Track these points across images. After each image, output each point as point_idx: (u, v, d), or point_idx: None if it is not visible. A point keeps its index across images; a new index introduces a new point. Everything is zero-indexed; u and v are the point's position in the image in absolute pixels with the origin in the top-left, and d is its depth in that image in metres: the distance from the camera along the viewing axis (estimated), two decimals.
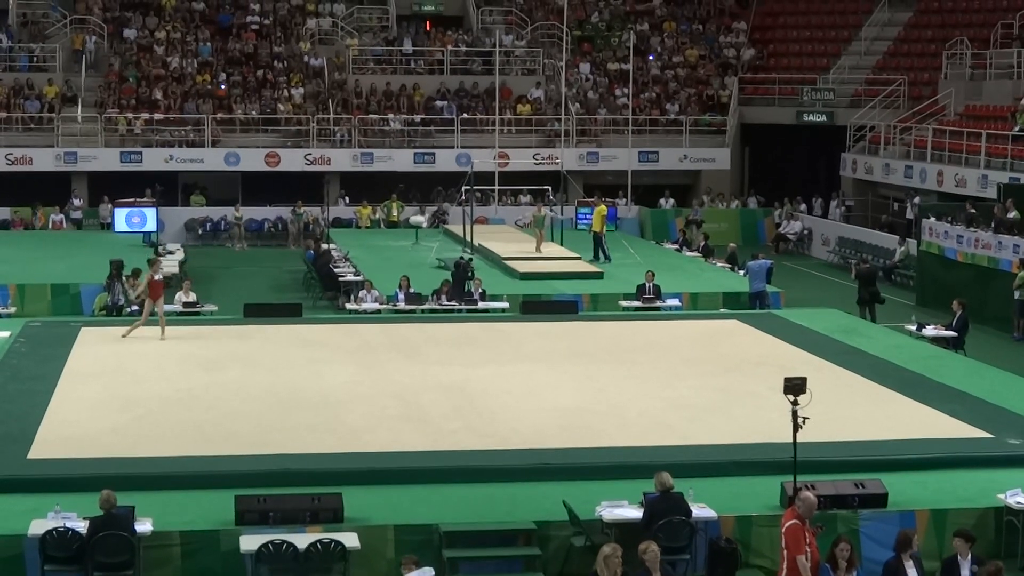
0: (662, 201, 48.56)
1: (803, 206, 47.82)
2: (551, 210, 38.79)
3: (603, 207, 37.20)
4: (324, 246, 37.02)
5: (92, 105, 47.78)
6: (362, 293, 30.00)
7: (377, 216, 46.32)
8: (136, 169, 45.99)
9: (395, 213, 46.15)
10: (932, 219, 34.96)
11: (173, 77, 49.63)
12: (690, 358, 23.76)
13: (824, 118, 49.22)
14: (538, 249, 36.23)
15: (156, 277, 24.96)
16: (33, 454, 17.42)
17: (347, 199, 47.54)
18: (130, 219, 40.54)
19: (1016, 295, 30.30)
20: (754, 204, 49.64)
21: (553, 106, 49.84)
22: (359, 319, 28.23)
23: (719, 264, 36.53)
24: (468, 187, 38.67)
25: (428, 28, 54.77)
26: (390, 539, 15.32)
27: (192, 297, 29.24)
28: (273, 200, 46.62)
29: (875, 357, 23.96)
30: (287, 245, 45.03)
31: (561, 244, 37.60)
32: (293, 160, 47.17)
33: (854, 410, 19.91)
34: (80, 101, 47.66)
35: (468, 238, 37.26)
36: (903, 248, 38.70)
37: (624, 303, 30.18)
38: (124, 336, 24.70)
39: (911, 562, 14.18)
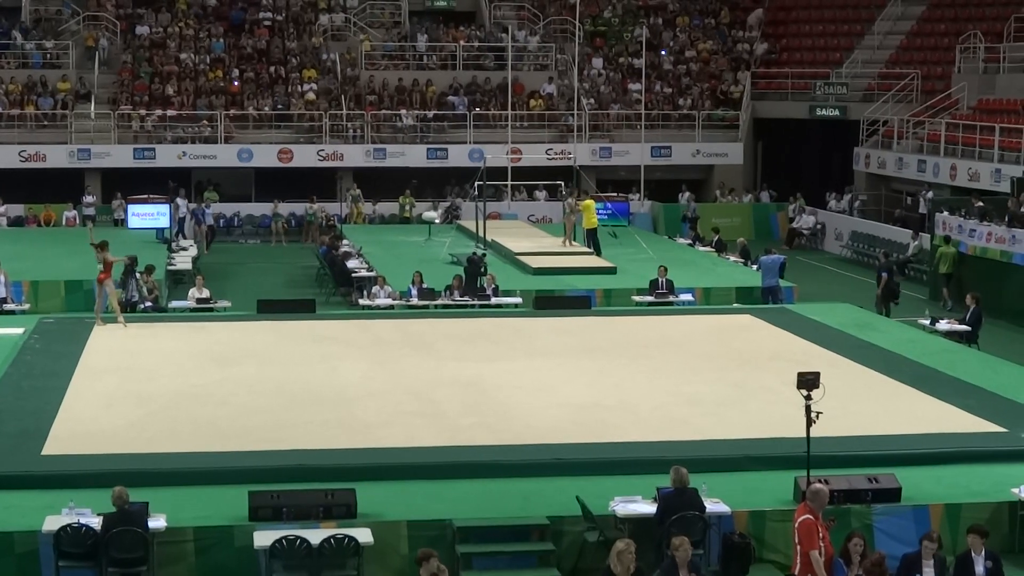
0: (680, 196, 48.36)
1: (828, 205, 47.66)
2: (572, 199, 38.67)
3: (590, 202, 36.95)
4: (343, 241, 37.08)
5: (105, 102, 47.86)
6: (375, 289, 30.02)
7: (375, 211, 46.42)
8: (149, 166, 46.07)
9: (407, 209, 46.25)
10: (945, 213, 34.92)
11: (186, 74, 49.69)
12: (703, 353, 23.75)
13: (837, 112, 49.14)
14: (568, 242, 36.33)
15: (99, 267, 25.57)
16: (47, 450, 17.48)
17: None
18: (143, 215, 40.68)
19: (942, 269, 33.20)
20: (767, 199, 49.58)
21: (566, 101, 49.82)
22: (372, 315, 28.26)
23: (732, 259, 36.51)
24: (481, 183, 38.68)
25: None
26: (403, 535, 15.34)
27: (205, 293, 29.28)
28: (286, 196, 46.64)
29: (889, 351, 23.93)
30: (301, 241, 45.10)
31: (574, 239, 37.55)
32: (306, 156, 47.19)
33: (868, 405, 19.89)
34: (93, 98, 47.73)
35: (481, 234, 37.26)
36: (916, 242, 38.62)
37: (637, 298, 30.16)
38: (124, 326, 25.32)
39: (931, 561, 14.12)
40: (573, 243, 36.89)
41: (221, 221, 46.42)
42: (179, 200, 43.53)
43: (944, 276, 33.42)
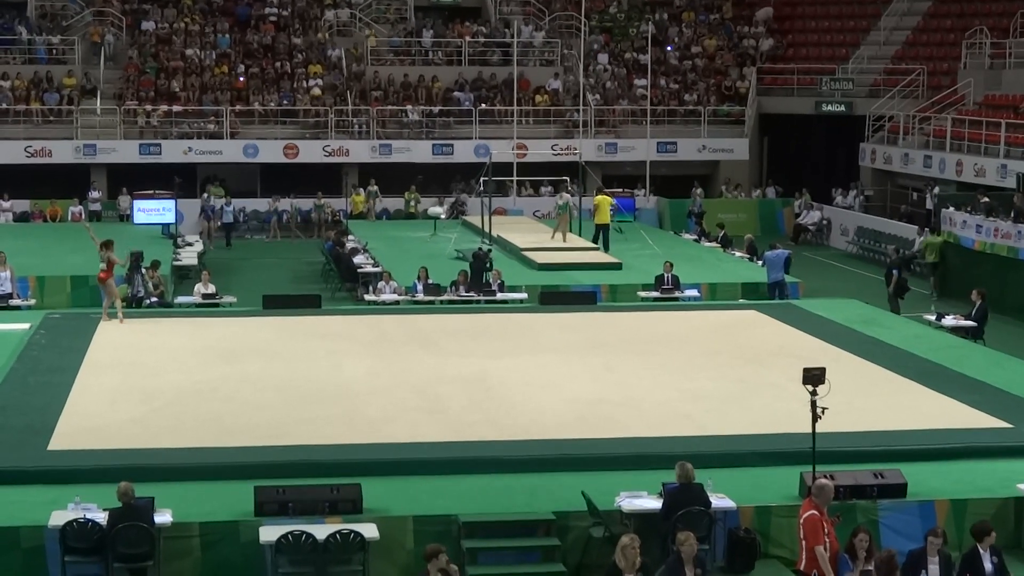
0: (692, 192, 48.14)
1: (833, 201, 47.59)
2: (570, 195, 38.59)
3: (605, 197, 36.83)
4: (349, 237, 37.10)
5: (111, 97, 47.89)
6: (381, 284, 30.03)
7: (369, 205, 46.41)
8: (155, 161, 46.08)
9: (413, 204, 46.28)
10: (951, 209, 34.90)
11: (191, 69, 49.71)
12: (709, 349, 23.71)
13: (843, 108, 49.11)
14: (563, 238, 36.22)
15: (101, 265, 25.48)
16: (53, 446, 17.47)
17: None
18: (149, 211, 40.71)
19: (929, 259, 34.86)
20: (773, 194, 49.55)
21: (571, 97, 49.80)
22: (378, 310, 28.26)
23: (738, 254, 36.48)
24: (486, 178, 38.67)
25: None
26: (409, 530, 15.34)
27: (211, 289, 29.29)
28: (291, 192, 46.64)
29: (894, 347, 23.90)
30: (308, 236, 45.15)
31: (579, 235, 37.56)
32: (312, 152, 47.21)
33: (873, 400, 19.86)
34: (99, 93, 47.78)
35: (486, 229, 37.25)
36: (922, 238, 38.58)
37: (643, 294, 30.15)
38: (121, 322, 25.22)
39: (936, 557, 14.10)
40: (570, 235, 36.77)
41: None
42: (206, 196, 43.68)
43: (931, 265, 34.55)
